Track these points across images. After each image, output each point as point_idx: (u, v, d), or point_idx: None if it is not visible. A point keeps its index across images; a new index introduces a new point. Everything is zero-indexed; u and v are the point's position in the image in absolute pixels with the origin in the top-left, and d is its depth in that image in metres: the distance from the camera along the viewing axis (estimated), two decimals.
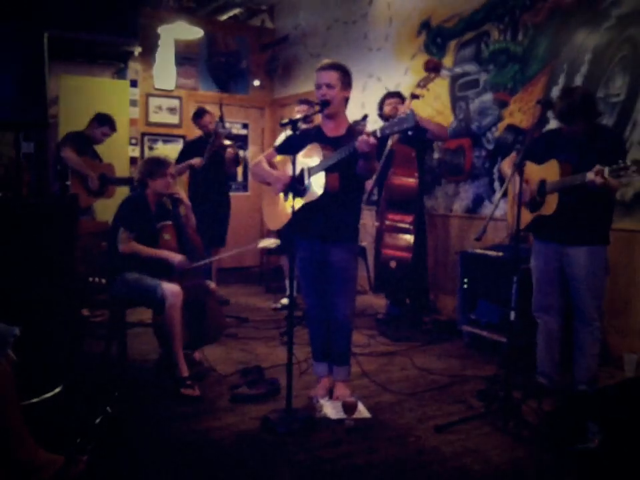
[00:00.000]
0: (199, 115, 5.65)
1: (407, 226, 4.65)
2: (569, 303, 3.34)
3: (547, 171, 3.21)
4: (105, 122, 5.25)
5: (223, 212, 5.73)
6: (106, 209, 5.12)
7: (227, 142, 5.57)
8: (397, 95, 4.95)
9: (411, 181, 4.63)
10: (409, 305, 4.95)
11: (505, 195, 3.47)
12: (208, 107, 5.79)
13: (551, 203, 3.18)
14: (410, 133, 4.52)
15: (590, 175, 2.89)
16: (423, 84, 4.63)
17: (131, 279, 3.57)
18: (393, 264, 4.58)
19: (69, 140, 5.08)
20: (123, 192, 5.35)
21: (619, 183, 2.95)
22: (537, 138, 3.42)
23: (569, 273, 3.27)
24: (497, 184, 4.89)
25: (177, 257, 3.64)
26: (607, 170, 2.83)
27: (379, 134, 2.81)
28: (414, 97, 4.59)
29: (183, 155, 5.62)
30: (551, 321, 3.39)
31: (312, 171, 3.06)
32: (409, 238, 4.63)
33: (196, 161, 5.44)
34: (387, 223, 4.69)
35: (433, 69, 4.65)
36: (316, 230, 3.16)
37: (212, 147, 5.40)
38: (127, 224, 3.60)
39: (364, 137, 2.80)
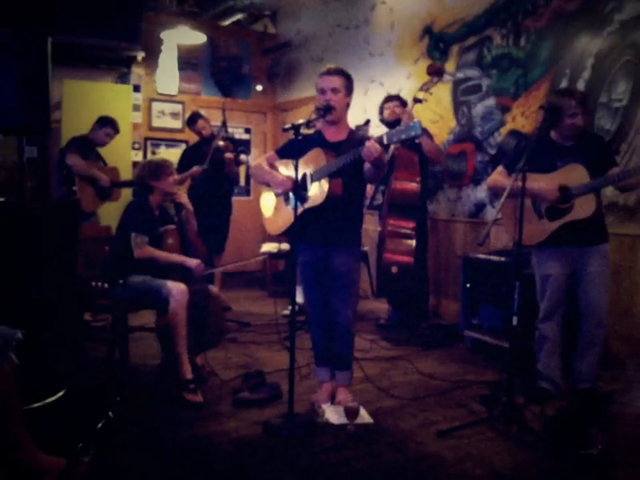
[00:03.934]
0: (193, 120, 5.56)
1: (408, 231, 4.60)
2: (570, 306, 3.35)
3: (567, 176, 3.21)
4: (107, 123, 5.24)
5: (223, 219, 5.64)
6: (109, 213, 5.14)
7: (222, 143, 5.41)
8: (397, 98, 4.91)
9: (413, 185, 4.57)
10: (409, 310, 4.93)
11: None
12: (210, 112, 5.74)
13: (586, 204, 3.17)
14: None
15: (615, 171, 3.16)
16: (425, 88, 4.59)
17: (135, 281, 3.58)
18: (394, 269, 4.56)
19: (74, 145, 5.08)
20: (127, 196, 5.33)
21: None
22: (533, 147, 3.38)
23: (583, 275, 3.28)
24: None
25: (193, 262, 3.66)
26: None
27: (385, 141, 2.78)
28: (416, 101, 4.57)
29: (183, 163, 5.49)
30: (554, 327, 3.39)
31: (315, 176, 3.06)
32: (411, 243, 4.58)
33: (196, 169, 5.31)
34: (389, 227, 4.65)
35: (435, 72, 4.62)
36: (318, 234, 3.15)
37: (211, 150, 5.27)
38: (139, 228, 3.60)
39: (369, 147, 2.77)
